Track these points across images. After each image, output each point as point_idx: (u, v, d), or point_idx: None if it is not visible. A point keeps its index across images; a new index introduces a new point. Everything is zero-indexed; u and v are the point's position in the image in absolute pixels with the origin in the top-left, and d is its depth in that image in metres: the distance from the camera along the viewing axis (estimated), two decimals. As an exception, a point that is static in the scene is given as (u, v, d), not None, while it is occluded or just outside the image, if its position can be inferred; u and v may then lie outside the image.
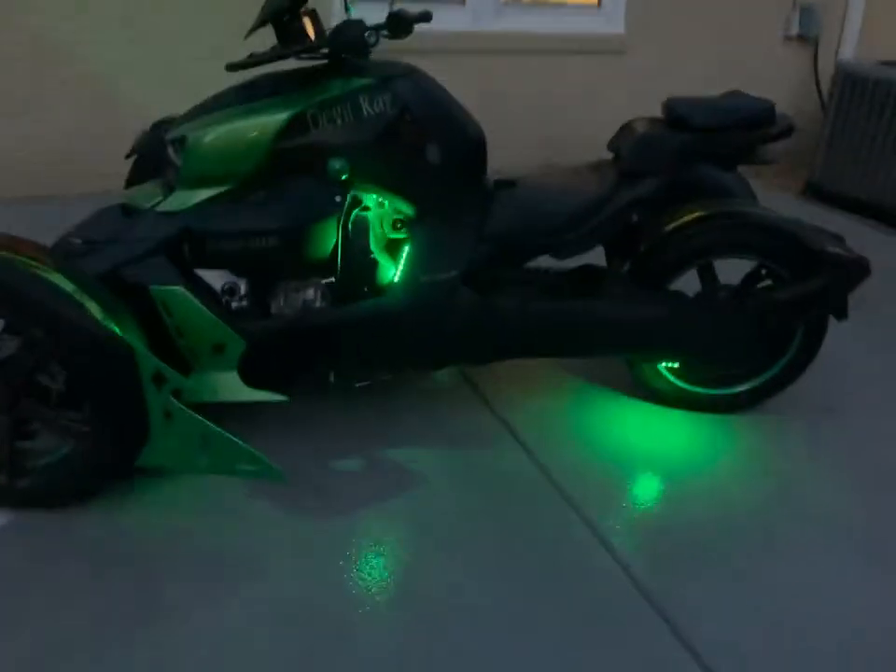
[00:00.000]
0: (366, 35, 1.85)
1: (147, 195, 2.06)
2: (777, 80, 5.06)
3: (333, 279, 2.08)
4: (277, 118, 1.91)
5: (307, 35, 1.98)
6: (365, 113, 1.96)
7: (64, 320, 1.69)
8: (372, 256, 2.11)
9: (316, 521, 1.92)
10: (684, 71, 4.82)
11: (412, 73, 2.03)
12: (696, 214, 2.15)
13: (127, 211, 2.03)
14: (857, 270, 2.12)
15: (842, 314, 2.20)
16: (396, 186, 2.03)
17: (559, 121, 4.68)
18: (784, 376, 2.31)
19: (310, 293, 2.08)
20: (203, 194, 1.96)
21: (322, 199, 1.98)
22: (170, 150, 2.03)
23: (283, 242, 1.97)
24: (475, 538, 1.90)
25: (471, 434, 2.27)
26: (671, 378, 2.34)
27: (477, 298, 2.11)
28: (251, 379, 2.06)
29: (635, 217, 2.15)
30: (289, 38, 2.00)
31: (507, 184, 2.14)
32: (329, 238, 2.02)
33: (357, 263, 2.09)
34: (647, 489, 2.10)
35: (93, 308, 1.73)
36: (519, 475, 2.12)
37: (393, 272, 2.12)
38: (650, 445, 2.27)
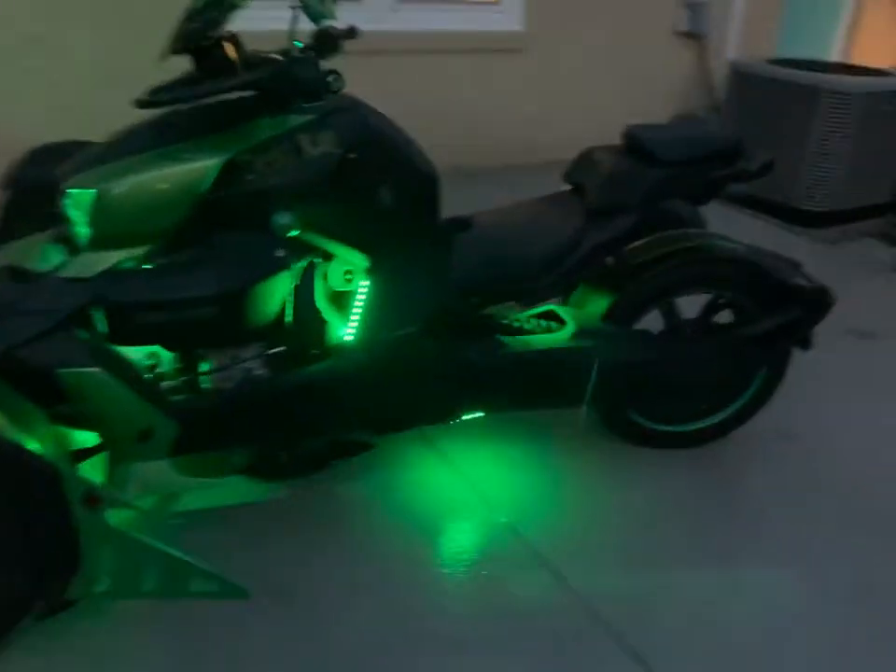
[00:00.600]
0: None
1: (40, 254, 1.71)
2: (670, 76, 5.08)
3: (277, 343, 1.81)
4: (205, 165, 1.61)
5: (232, 65, 1.69)
6: (306, 155, 1.69)
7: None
8: (321, 314, 1.85)
9: (287, 631, 1.67)
10: (582, 68, 4.74)
11: (354, 106, 1.77)
12: (662, 250, 2.02)
13: (16, 275, 1.68)
14: (823, 301, 2.06)
15: (807, 344, 2.15)
16: (346, 234, 1.78)
17: (460, 122, 4.49)
18: (750, 407, 2.24)
19: (251, 361, 1.80)
20: (117, 256, 1.64)
21: (263, 256, 1.70)
22: (64, 201, 1.69)
23: (218, 309, 1.68)
24: (461, 626, 1.71)
25: (441, 507, 2.06)
26: (639, 418, 2.22)
27: (441, 350, 1.90)
28: (187, 467, 1.77)
29: (609, 260, 1.99)
30: (210, 67, 1.69)
31: (461, 224, 1.93)
32: (272, 299, 1.74)
33: (305, 323, 1.83)
34: (611, 533, 2.00)
35: (-5, 418, 1.40)
36: (496, 543, 1.95)
37: (343, 329, 1.87)
38: (613, 490, 2.15)
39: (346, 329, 1.86)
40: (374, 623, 1.71)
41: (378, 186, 1.78)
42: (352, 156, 1.72)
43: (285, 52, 1.69)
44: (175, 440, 1.71)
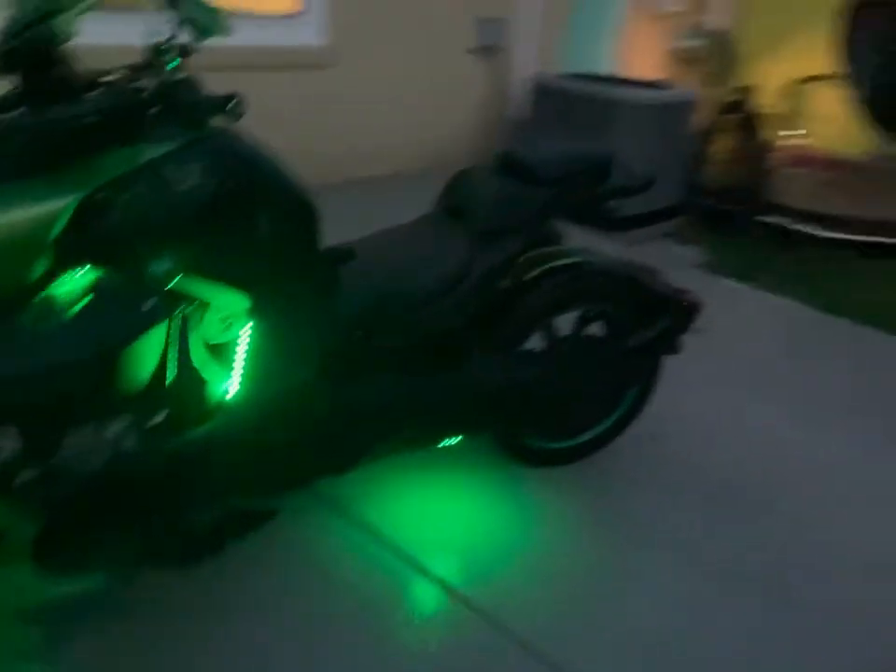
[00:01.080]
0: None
1: None
2: (472, 91, 5.16)
3: (150, 410, 1.55)
4: (52, 207, 1.33)
5: (71, 86, 1.41)
6: (174, 189, 1.46)
7: None
8: (198, 370, 1.62)
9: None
10: (387, 82, 4.69)
11: (220, 132, 1.56)
12: (541, 268, 1.98)
13: None
14: (693, 307, 2.14)
15: (675, 349, 2.21)
16: (224, 273, 1.55)
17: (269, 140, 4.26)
18: (629, 416, 2.28)
19: (118, 434, 1.52)
20: None
21: (130, 310, 1.44)
22: None
23: (78, 378, 1.41)
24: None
25: (361, 575, 1.88)
26: (530, 439, 2.18)
27: (337, 394, 1.74)
28: (50, 567, 1.47)
29: (506, 282, 1.92)
30: (42, 88, 1.41)
31: (344, 254, 1.77)
32: (144, 358, 1.49)
33: (181, 383, 1.59)
34: (509, 554, 1.99)
35: None
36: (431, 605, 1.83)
37: (224, 383, 1.65)
38: (510, 518, 2.12)
39: (229, 385, 1.64)
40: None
41: (255, 217, 1.58)
42: (227, 187, 1.52)
43: (140, 71, 1.45)
44: (35, 541, 1.41)
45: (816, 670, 1.75)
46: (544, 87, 4.74)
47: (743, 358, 3.15)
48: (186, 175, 1.47)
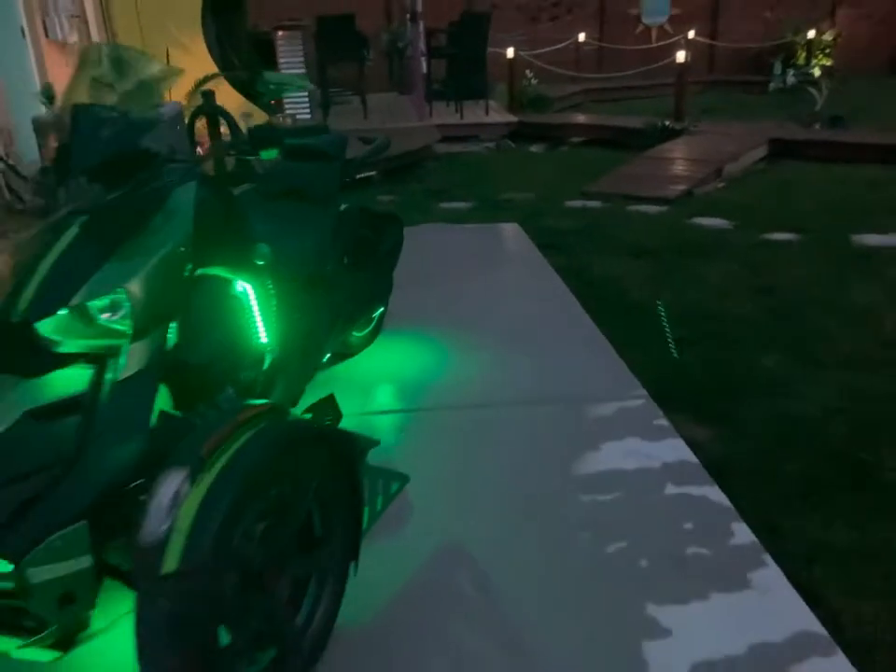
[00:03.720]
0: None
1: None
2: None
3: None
4: (182, 233, 1.80)
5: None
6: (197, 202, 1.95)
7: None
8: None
9: None
10: None
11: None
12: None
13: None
14: (400, 220, 3.32)
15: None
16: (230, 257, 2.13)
17: None
18: (384, 313, 3.36)
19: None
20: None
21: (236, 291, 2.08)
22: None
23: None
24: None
25: None
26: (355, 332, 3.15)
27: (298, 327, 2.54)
28: None
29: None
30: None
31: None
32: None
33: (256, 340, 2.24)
34: None
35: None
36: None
37: (259, 334, 2.27)
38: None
39: (261, 334, 2.26)
40: None
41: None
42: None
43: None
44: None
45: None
46: (49, 125, 4.99)
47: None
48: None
